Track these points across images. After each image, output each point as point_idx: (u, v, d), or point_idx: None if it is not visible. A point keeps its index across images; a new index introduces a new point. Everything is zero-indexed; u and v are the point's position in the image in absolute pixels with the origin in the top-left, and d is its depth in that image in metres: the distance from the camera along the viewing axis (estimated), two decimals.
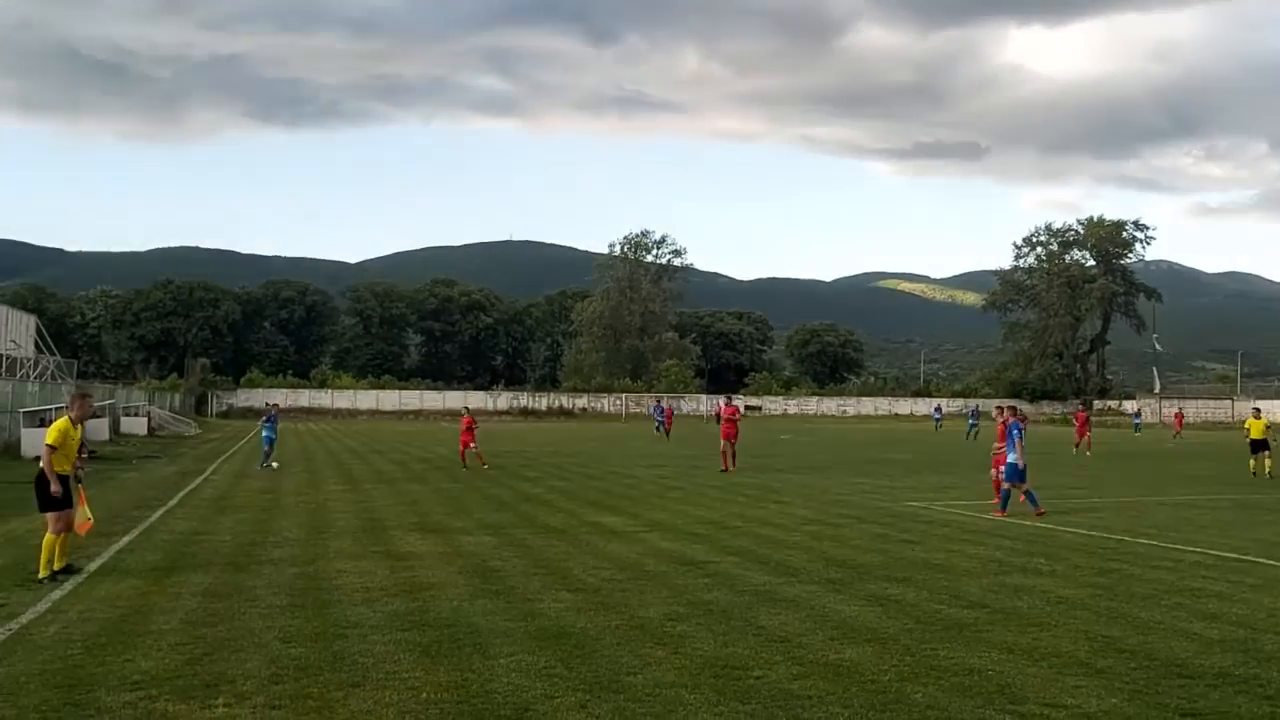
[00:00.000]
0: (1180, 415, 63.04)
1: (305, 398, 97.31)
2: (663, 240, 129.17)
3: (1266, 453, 27.69)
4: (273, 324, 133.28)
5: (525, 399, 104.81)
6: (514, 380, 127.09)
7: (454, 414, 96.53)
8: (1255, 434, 28.33)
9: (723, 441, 28.30)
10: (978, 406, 67.39)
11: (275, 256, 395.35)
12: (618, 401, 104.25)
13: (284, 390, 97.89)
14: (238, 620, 9.11)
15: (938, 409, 74.37)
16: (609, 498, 20.80)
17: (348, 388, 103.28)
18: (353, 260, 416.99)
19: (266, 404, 34.24)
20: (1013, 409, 19.14)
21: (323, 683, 7.16)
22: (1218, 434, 65.11)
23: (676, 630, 8.86)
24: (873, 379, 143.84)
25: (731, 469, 27.42)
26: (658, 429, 51.47)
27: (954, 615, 9.61)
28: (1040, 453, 41.06)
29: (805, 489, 23.07)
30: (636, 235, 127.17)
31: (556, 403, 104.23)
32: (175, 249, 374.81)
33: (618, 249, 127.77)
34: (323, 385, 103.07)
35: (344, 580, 11.12)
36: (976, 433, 50.88)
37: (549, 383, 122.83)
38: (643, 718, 6.45)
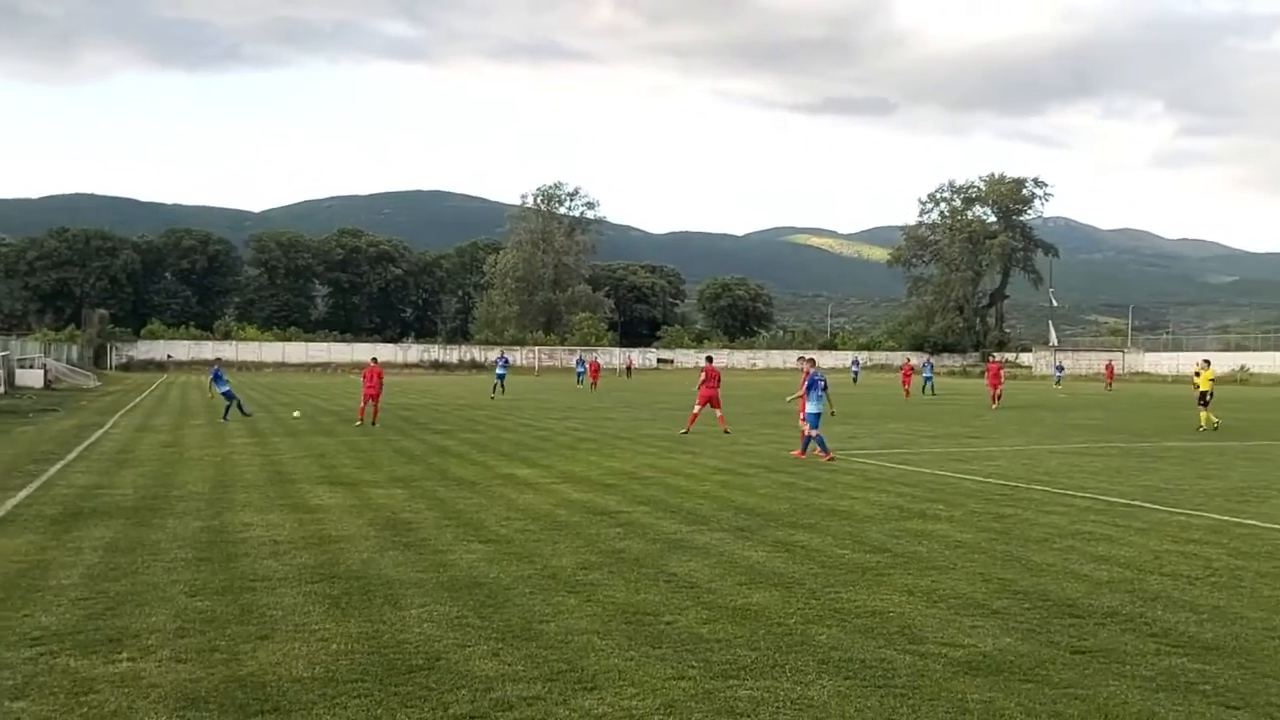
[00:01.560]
0: (1111, 367, 64.61)
1: (208, 350, 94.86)
2: (576, 192, 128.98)
3: (1204, 407, 27.86)
4: (174, 274, 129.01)
5: (436, 352, 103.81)
6: (424, 333, 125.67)
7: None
8: (1203, 386, 28.49)
9: (699, 405, 24.93)
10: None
11: (176, 205, 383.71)
12: (530, 355, 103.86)
13: (186, 342, 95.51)
14: (141, 574, 8.94)
15: (855, 362, 75.36)
16: (521, 450, 20.81)
17: (252, 340, 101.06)
18: (256, 209, 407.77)
19: (217, 359, 32.74)
20: (811, 361, 21.05)
21: (230, 635, 7.09)
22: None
23: (589, 579, 8.96)
24: (782, 332, 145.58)
25: (695, 426, 24.16)
26: (496, 387, 47.59)
27: (857, 560, 9.88)
28: (942, 404, 42.19)
29: (715, 440, 23.35)
30: (549, 187, 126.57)
31: (468, 355, 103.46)
32: (71, 196, 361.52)
33: (530, 201, 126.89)
34: (226, 337, 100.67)
35: (251, 533, 10.98)
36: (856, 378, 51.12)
37: (460, 335, 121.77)
38: (555, 664, 6.53)
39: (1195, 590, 8.73)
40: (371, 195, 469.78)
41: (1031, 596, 8.46)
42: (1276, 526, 12.02)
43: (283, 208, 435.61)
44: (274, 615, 7.61)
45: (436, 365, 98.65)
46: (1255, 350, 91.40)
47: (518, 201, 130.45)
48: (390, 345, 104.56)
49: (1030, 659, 6.75)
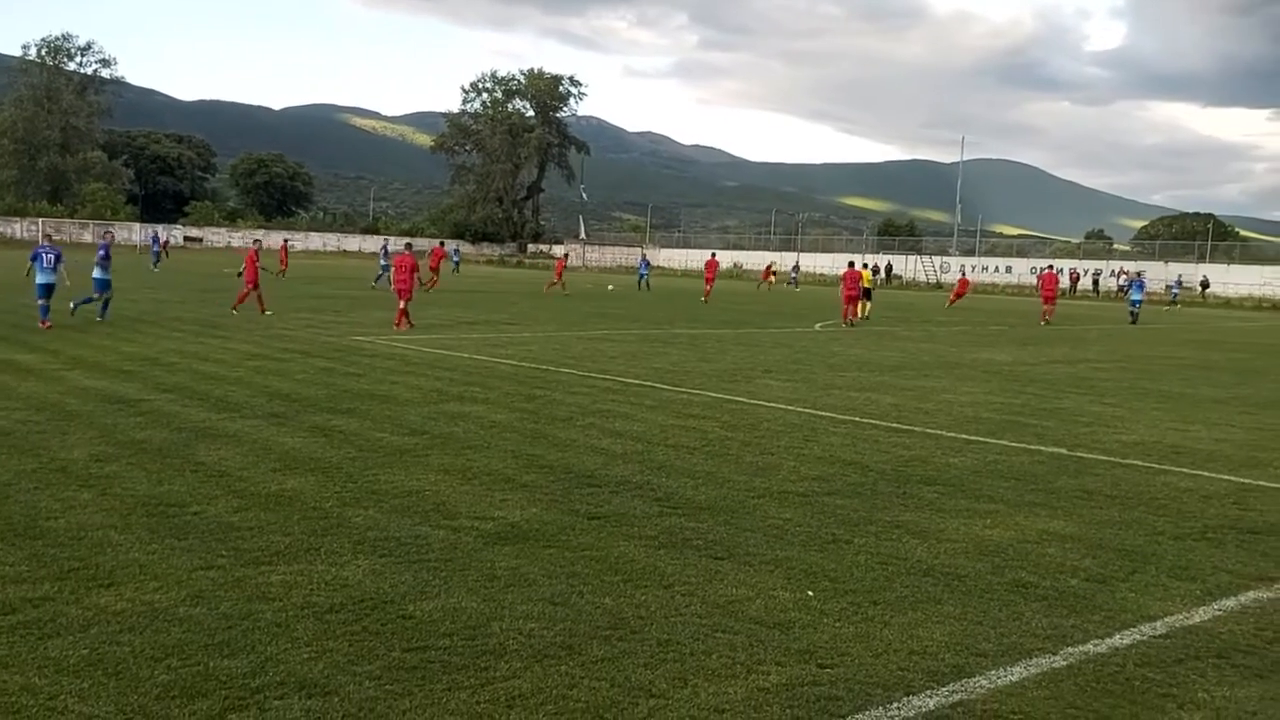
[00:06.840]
0: (769, 267, 68.08)
1: None
2: (88, 47, 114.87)
3: (869, 300, 33.18)
4: None
5: None
6: None
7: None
8: (865, 283, 33.34)
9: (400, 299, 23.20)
10: (388, 245, 73.09)
11: None
12: (33, 226, 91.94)
13: None
14: None
15: (456, 251, 73.23)
16: (20, 333, 18.63)
17: None
18: None
19: (46, 237, 22.90)
20: (108, 233, 22.41)
21: None
22: (632, 277, 72.61)
23: (105, 471, 8.37)
24: (322, 214, 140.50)
25: (405, 326, 22.66)
26: (380, 277, 39.11)
27: (395, 442, 10.07)
28: (474, 290, 43.31)
29: (248, 324, 22.33)
30: (56, 39, 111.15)
31: None
32: None
33: (33, 53, 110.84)
34: None
35: None
36: (381, 276, 48.72)
37: None
38: (65, 562, 6.09)
39: (693, 459, 9.89)
40: None
41: (556, 470, 9.14)
42: (759, 402, 13.87)
43: None
44: None
45: None
46: (748, 249, 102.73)
47: (18, 53, 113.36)
48: None
49: (553, 526, 7.35)
